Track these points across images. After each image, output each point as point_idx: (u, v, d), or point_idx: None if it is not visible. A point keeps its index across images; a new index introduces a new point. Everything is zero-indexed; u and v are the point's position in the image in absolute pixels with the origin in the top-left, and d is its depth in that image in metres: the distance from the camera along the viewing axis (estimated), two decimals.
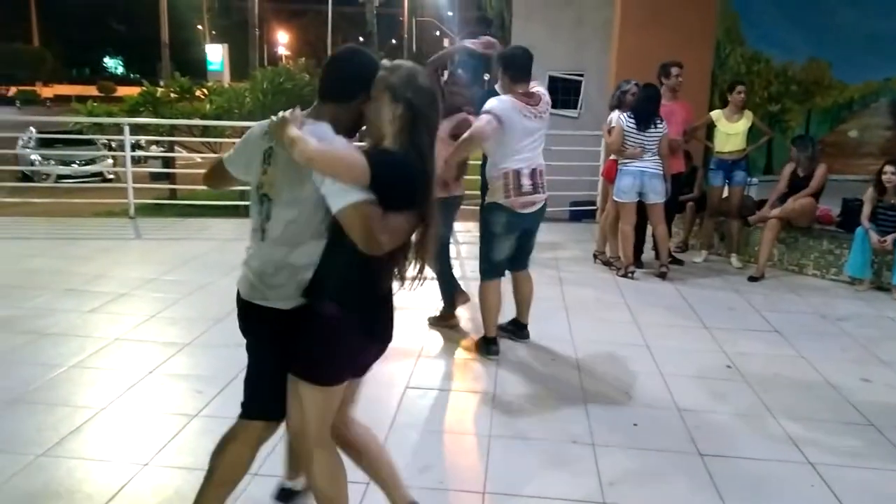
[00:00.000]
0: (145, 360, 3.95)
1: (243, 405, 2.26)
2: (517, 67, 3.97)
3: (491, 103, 3.87)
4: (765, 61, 8.19)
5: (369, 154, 1.94)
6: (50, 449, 2.96)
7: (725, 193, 6.69)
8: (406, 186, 1.98)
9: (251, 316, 2.17)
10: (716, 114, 6.61)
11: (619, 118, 5.86)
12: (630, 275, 5.94)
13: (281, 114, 1.95)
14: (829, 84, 8.15)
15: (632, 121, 5.76)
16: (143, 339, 4.30)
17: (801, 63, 8.14)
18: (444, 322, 4.63)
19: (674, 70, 6.24)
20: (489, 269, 4.14)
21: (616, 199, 5.96)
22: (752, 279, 6.04)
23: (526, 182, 3.92)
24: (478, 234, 4.21)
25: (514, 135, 3.85)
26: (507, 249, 4.08)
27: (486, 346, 4.18)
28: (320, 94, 2.12)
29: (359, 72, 2.06)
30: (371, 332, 2.12)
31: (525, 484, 2.82)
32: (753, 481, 2.91)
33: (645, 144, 5.75)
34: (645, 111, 5.75)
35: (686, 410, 3.52)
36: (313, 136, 1.89)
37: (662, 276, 5.97)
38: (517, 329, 4.47)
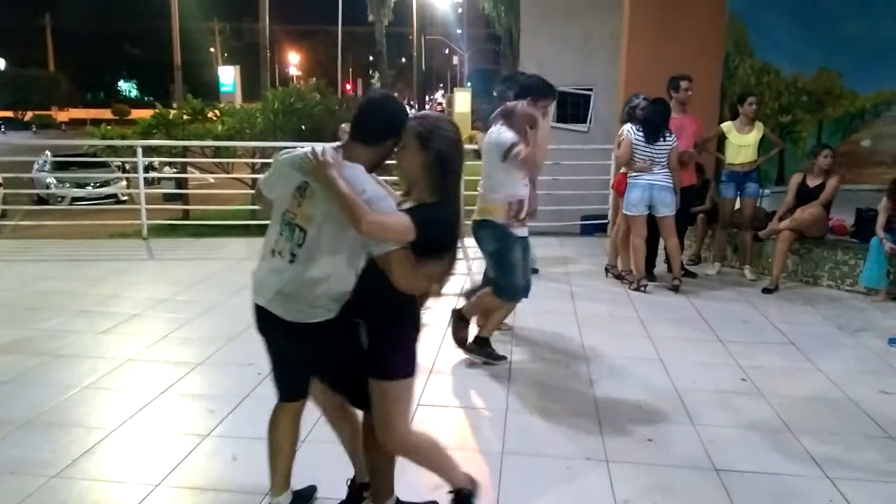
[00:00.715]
0: (157, 380, 3.96)
1: (278, 393, 2.59)
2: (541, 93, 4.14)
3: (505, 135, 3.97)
4: (774, 72, 8.17)
5: (413, 213, 2.21)
6: (63, 470, 2.97)
7: (737, 205, 6.65)
8: (445, 238, 2.32)
9: (269, 319, 2.37)
10: (726, 126, 6.58)
11: (627, 131, 5.86)
12: (642, 288, 5.91)
13: (318, 153, 2.16)
14: (840, 94, 8.10)
15: (640, 134, 5.75)
16: (156, 360, 4.31)
17: (811, 73, 8.11)
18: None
19: (683, 83, 6.23)
20: (515, 292, 4.23)
21: (626, 212, 5.95)
22: (766, 291, 5.99)
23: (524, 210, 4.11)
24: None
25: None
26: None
27: (485, 348, 4.31)
28: (352, 135, 2.32)
29: (390, 118, 2.31)
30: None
31: (538, 501, 2.79)
32: (771, 497, 2.86)
33: (654, 157, 5.74)
34: (653, 124, 5.75)
35: (701, 425, 3.47)
36: (352, 180, 2.15)
37: (675, 289, 5.92)
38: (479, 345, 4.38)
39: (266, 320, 2.38)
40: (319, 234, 2.21)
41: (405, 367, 2.39)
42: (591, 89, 8.98)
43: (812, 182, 6.17)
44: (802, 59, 8.03)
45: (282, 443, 2.56)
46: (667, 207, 5.83)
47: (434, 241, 2.25)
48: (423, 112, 2.47)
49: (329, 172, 2.12)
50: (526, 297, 4.30)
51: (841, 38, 7.85)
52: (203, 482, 2.92)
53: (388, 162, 2.38)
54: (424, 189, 2.32)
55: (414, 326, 2.43)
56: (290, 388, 2.54)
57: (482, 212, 4.08)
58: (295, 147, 2.39)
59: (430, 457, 2.54)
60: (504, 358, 4.30)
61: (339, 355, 2.38)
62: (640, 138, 5.74)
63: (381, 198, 2.18)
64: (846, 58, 7.94)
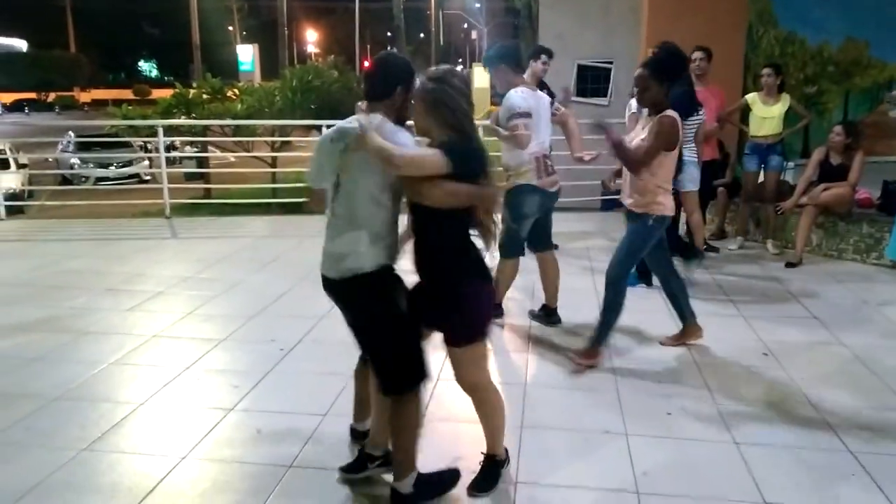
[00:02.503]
0: (182, 356, 4.03)
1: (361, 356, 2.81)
2: (517, 58, 4.33)
3: (515, 99, 4.11)
4: (799, 42, 7.98)
5: (444, 148, 2.34)
6: (92, 444, 3.05)
7: (761, 178, 6.56)
8: (474, 163, 2.41)
9: (325, 283, 2.57)
10: (751, 97, 6.47)
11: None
12: None
13: (356, 126, 2.35)
14: (868, 63, 7.89)
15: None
16: (180, 336, 4.39)
17: (837, 43, 7.92)
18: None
19: (694, 55, 6.10)
20: (515, 248, 4.34)
21: None
22: (789, 265, 5.92)
23: (550, 164, 4.26)
24: None
25: (539, 121, 4.18)
26: (529, 228, 4.35)
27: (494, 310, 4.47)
28: (367, 97, 2.54)
29: (390, 68, 2.55)
30: (490, 279, 2.61)
31: (557, 474, 2.82)
32: (791, 470, 2.86)
33: (685, 133, 5.64)
34: (685, 102, 5.62)
35: (721, 399, 3.47)
36: (382, 132, 2.35)
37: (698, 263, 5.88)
38: (547, 315, 4.55)
39: (324, 286, 2.57)
40: (347, 181, 2.45)
41: (468, 331, 2.50)
42: (611, 62, 8.85)
43: (835, 159, 6.06)
44: (828, 28, 7.82)
45: (360, 393, 2.87)
46: (691, 182, 5.76)
47: (465, 168, 2.37)
48: (431, 69, 2.52)
49: (370, 139, 2.30)
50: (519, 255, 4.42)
51: (869, 5, 7.64)
52: (228, 455, 2.98)
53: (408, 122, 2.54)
54: (438, 133, 2.43)
55: (477, 286, 2.50)
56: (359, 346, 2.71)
57: (516, 178, 4.23)
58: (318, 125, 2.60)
59: (492, 415, 2.67)
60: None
61: (362, 317, 2.55)
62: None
63: (412, 144, 2.43)
64: (874, 26, 7.72)
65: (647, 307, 4.89)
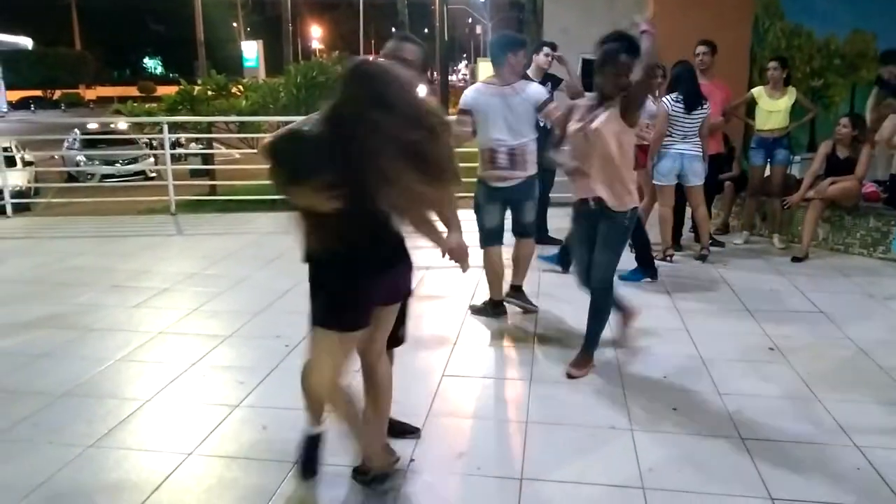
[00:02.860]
0: (188, 352, 4.04)
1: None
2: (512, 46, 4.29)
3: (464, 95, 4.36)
4: (806, 35, 7.92)
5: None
6: (99, 440, 3.06)
7: (767, 172, 6.53)
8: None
9: None
10: (757, 91, 6.43)
11: (665, 102, 5.68)
12: (669, 258, 5.85)
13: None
14: (875, 56, 7.83)
15: (679, 105, 5.61)
16: (186, 332, 4.40)
17: (844, 35, 7.86)
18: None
19: (697, 49, 6.08)
20: (483, 238, 4.46)
21: (655, 182, 5.85)
22: (795, 260, 5.90)
23: (501, 158, 4.24)
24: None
25: (485, 116, 4.22)
26: (494, 219, 4.41)
27: (493, 309, 4.56)
28: None
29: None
30: (368, 272, 2.34)
31: (563, 469, 2.81)
32: (797, 465, 2.85)
33: (688, 127, 5.63)
34: (691, 92, 5.62)
35: (727, 394, 3.46)
36: None
37: (703, 258, 5.87)
38: (515, 293, 4.63)
39: None
40: None
41: (323, 315, 2.37)
42: None
43: (842, 153, 6.03)
44: (835, 21, 7.76)
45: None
46: (696, 176, 5.75)
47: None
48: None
49: None
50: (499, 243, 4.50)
51: None
52: (234, 451, 2.98)
53: None
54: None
55: (341, 279, 2.33)
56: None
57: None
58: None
59: (345, 417, 2.49)
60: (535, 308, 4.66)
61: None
62: (679, 109, 5.60)
63: None
64: (881, 18, 7.66)
65: (650, 303, 4.88)
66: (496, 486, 2.72)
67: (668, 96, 5.66)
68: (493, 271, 4.49)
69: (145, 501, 2.62)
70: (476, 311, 4.65)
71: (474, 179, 4.40)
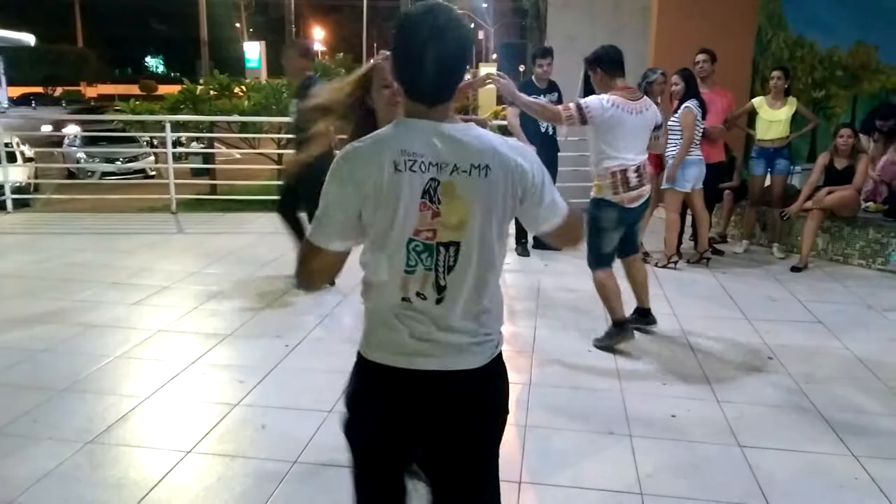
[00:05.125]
0: (188, 350, 4.04)
1: None
2: (610, 61, 3.99)
3: (588, 100, 3.91)
4: (808, 46, 7.96)
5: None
6: (98, 436, 3.06)
7: (767, 182, 6.55)
8: None
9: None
10: (758, 101, 6.46)
11: (690, 108, 5.62)
12: (673, 264, 5.87)
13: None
14: (877, 68, 7.88)
15: (699, 111, 5.65)
16: (186, 331, 4.40)
17: (846, 47, 7.90)
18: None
19: (696, 58, 6.12)
20: (602, 260, 4.14)
21: (679, 188, 5.79)
22: (794, 269, 5.91)
23: (633, 177, 3.95)
24: None
25: (620, 132, 3.89)
26: (615, 241, 4.13)
27: (620, 331, 4.15)
28: None
29: None
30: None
31: (561, 474, 2.82)
32: (795, 474, 2.86)
33: (699, 133, 5.71)
34: (700, 98, 5.70)
35: (726, 402, 3.47)
36: None
37: (707, 261, 5.93)
38: (641, 317, 4.44)
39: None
40: (474, 236, 1.54)
41: None
42: None
43: (840, 164, 6.05)
44: (838, 33, 7.81)
45: None
46: (701, 181, 5.84)
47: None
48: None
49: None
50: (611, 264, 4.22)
51: (878, 10, 7.62)
52: (233, 449, 2.99)
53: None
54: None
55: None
56: None
57: (595, 192, 4.10)
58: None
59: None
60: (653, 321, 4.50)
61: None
62: (699, 115, 5.66)
63: None
64: (883, 31, 7.70)
65: (653, 308, 4.88)
66: None
67: (690, 103, 5.65)
68: (614, 292, 4.14)
69: (144, 498, 2.63)
70: (603, 344, 4.18)
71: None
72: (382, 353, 1.60)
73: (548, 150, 5.91)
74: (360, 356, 1.66)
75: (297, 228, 5.08)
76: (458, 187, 1.50)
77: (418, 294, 1.55)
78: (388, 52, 1.81)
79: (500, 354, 1.67)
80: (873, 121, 6.67)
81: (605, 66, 3.98)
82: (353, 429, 1.72)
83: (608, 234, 4.07)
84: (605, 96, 3.89)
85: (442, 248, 1.53)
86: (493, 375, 1.66)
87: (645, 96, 4.12)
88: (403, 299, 1.56)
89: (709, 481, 2.79)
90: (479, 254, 1.54)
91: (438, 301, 1.55)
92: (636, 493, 2.69)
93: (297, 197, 4.95)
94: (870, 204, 6.40)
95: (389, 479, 1.71)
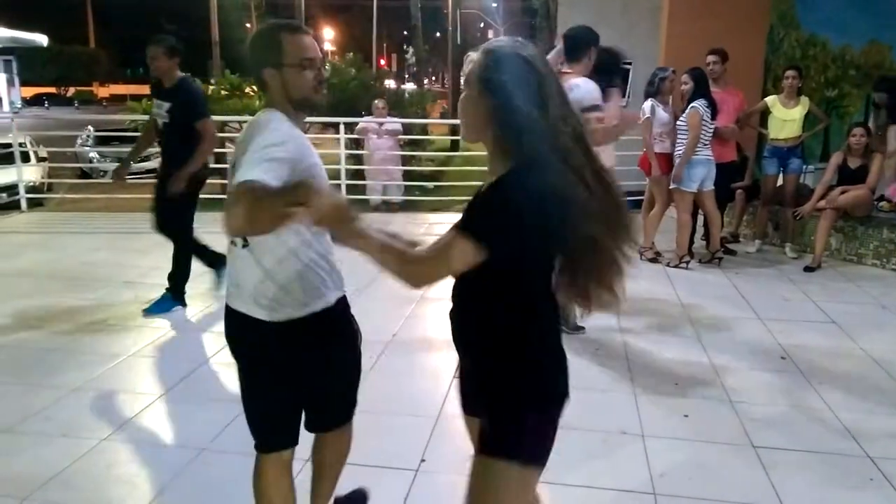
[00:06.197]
0: (201, 348, 4.06)
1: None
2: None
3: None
4: (821, 45, 7.92)
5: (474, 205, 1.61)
6: (111, 434, 3.08)
7: (780, 181, 6.51)
8: (550, 222, 1.53)
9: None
10: (770, 100, 6.43)
11: (697, 108, 5.63)
12: (684, 264, 5.85)
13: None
14: (890, 67, 7.82)
15: (707, 111, 5.63)
16: (198, 329, 4.42)
17: (859, 46, 7.84)
18: None
19: (707, 58, 6.09)
20: None
21: (686, 188, 5.80)
22: (807, 269, 5.88)
23: None
24: None
25: None
26: None
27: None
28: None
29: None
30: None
31: (573, 473, 2.81)
32: (809, 474, 2.84)
33: (709, 133, 5.70)
34: (710, 97, 5.68)
35: (739, 402, 3.45)
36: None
37: (719, 261, 5.90)
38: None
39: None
40: None
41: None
42: (630, 63, 8.81)
43: (853, 163, 6.01)
44: (852, 32, 7.75)
45: None
46: (712, 181, 5.81)
47: (537, 235, 1.50)
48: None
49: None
50: None
51: (893, 9, 7.56)
52: (247, 447, 2.97)
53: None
54: (493, 154, 1.58)
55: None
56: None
57: None
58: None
59: None
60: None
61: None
62: (708, 114, 5.64)
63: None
64: None
65: (662, 310, 4.88)
66: None
67: (698, 102, 5.65)
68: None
69: (158, 495, 2.64)
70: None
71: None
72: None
73: None
74: None
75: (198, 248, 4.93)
76: None
77: None
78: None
79: None
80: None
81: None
82: None
83: None
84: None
85: None
86: None
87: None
88: None
89: (722, 482, 2.78)
90: None
91: None
92: (649, 493, 2.68)
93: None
94: (884, 203, 6.35)
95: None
